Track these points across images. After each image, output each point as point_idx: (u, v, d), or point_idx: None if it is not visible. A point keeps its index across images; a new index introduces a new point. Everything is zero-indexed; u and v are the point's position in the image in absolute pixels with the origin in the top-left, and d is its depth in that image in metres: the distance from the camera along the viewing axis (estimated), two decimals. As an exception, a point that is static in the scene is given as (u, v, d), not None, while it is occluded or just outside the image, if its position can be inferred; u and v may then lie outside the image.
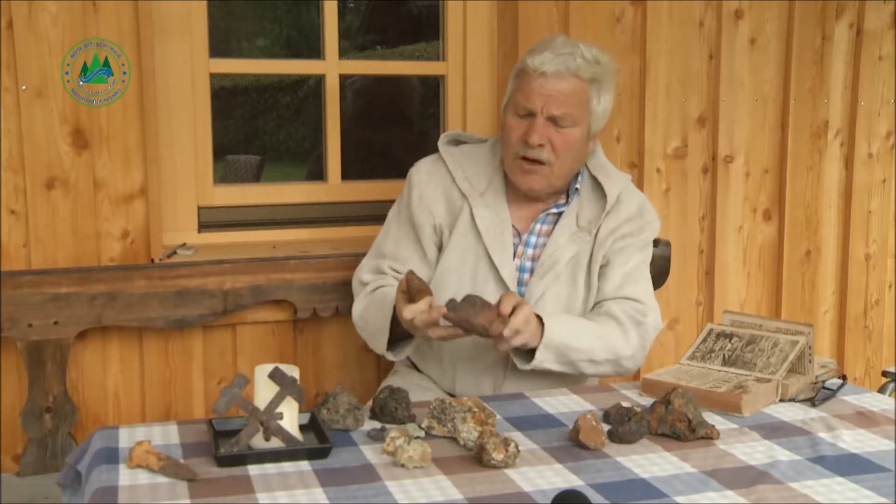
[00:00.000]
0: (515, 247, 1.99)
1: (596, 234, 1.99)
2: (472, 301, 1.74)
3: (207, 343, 2.34)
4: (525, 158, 1.93)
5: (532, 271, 1.99)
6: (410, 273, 1.78)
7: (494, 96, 2.59)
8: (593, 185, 2.04)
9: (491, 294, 1.95)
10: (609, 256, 1.99)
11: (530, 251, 2.00)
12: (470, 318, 1.72)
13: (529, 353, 1.84)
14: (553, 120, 1.91)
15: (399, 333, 1.88)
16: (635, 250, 2.01)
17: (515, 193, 2.02)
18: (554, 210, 2.02)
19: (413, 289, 1.77)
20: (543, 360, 1.82)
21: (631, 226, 2.01)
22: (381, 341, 1.90)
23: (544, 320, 1.81)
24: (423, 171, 2.06)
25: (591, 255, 1.99)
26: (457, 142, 2.13)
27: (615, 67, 2.01)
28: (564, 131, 1.92)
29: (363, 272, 2.08)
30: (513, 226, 2.00)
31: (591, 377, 2.09)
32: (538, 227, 2.01)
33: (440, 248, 2.03)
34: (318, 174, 2.64)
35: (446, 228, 2.01)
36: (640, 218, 2.03)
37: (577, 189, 2.02)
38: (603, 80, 1.96)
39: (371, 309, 1.98)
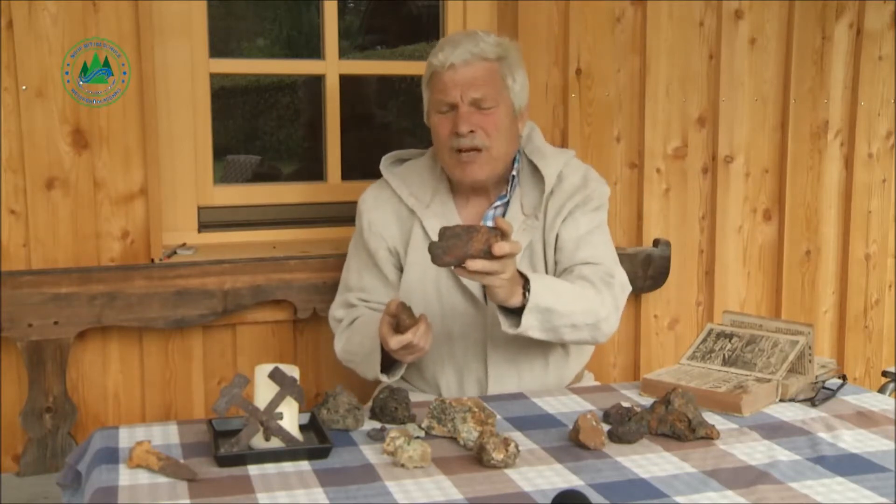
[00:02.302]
0: None
1: (545, 218, 1.98)
2: (455, 234, 1.61)
3: (207, 343, 2.34)
4: (460, 150, 1.92)
5: None
6: (401, 305, 1.74)
7: (494, 96, 2.59)
8: (532, 169, 2.02)
9: (459, 303, 1.95)
10: (559, 230, 1.97)
11: None
12: (466, 253, 1.60)
13: (515, 316, 1.78)
14: (476, 104, 1.91)
15: (390, 356, 1.85)
16: (582, 215, 1.98)
17: (462, 196, 2.02)
18: (499, 202, 2.01)
19: (402, 326, 1.73)
20: (529, 326, 1.75)
21: (576, 198, 1.98)
22: (374, 363, 1.86)
23: (530, 282, 1.74)
24: (370, 198, 2.07)
25: (544, 240, 1.98)
26: (401, 161, 2.13)
27: (517, 45, 2.03)
28: (490, 112, 1.92)
29: (335, 309, 2.08)
30: None
31: (577, 366, 2.08)
32: (488, 224, 1.99)
33: (401, 269, 2.02)
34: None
35: (401, 248, 2.01)
36: (585, 188, 2.00)
37: (514, 176, 2.01)
38: (509, 57, 1.97)
39: (354, 339, 1.96)
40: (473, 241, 1.60)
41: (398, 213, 2.02)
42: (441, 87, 1.93)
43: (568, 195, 1.98)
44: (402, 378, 2.01)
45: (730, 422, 1.65)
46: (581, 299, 1.84)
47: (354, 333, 1.97)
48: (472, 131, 1.90)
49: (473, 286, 1.94)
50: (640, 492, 1.34)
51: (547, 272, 1.98)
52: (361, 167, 2.70)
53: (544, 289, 1.76)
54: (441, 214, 1.98)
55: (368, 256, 2.04)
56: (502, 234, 1.62)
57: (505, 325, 1.77)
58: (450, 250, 1.60)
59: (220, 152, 2.52)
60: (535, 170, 2.01)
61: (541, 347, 1.96)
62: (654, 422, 1.57)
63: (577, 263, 1.94)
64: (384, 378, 1.89)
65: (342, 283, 2.11)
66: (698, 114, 2.69)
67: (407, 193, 2.02)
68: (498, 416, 1.65)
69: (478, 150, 1.92)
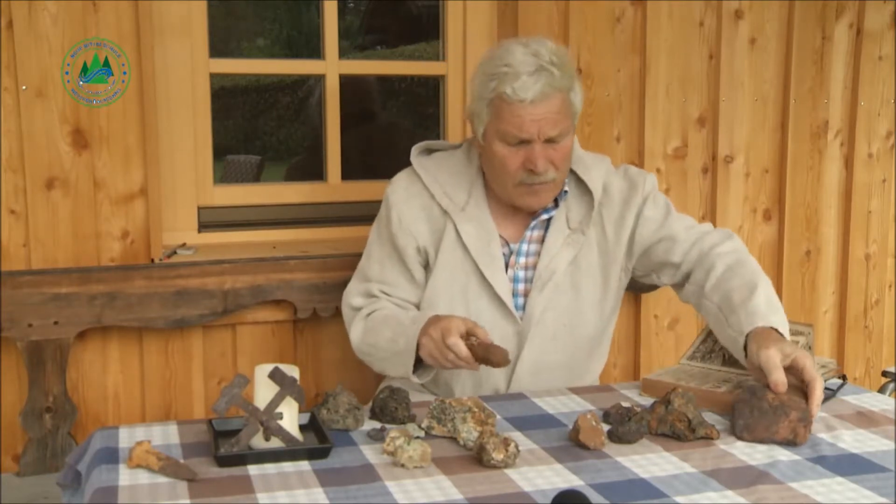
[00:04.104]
0: (506, 257, 1.94)
1: (603, 234, 1.96)
2: (761, 410, 1.57)
3: (207, 343, 2.34)
4: (531, 184, 1.87)
5: (526, 281, 1.94)
6: (503, 354, 1.66)
7: (494, 96, 2.59)
8: (576, 181, 1.98)
9: (485, 309, 1.91)
10: (648, 238, 1.95)
11: (523, 260, 1.95)
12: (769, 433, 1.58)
13: None
14: (550, 140, 1.85)
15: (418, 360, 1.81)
16: (652, 212, 1.97)
17: (498, 203, 1.96)
18: (544, 216, 1.96)
19: (479, 354, 1.68)
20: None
21: (633, 201, 1.96)
22: (406, 361, 1.81)
23: (779, 329, 1.70)
24: (400, 190, 1.98)
25: (607, 255, 1.96)
26: (429, 151, 2.06)
27: (570, 54, 1.94)
28: (560, 145, 1.86)
29: (352, 297, 2.01)
30: (500, 236, 1.95)
31: (594, 373, 2.09)
32: (529, 234, 1.96)
33: (426, 268, 1.98)
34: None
35: (431, 248, 1.96)
36: (634, 191, 1.97)
37: (566, 192, 1.96)
38: (573, 78, 1.88)
39: (383, 333, 1.89)
40: (780, 426, 1.55)
41: (429, 210, 1.96)
42: (515, 122, 1.82)
43: (622, 203, 1.97)
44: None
45: (730, 422, 1.64)
46: (763, 278, 1.83)
47: (382, 327, 1.91)
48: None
49: (503, 292, 1.91)
50: (640, 492, 1.34)
51: (607, 290, 1.97)
52: (361, 167, 2.71)
53: (782, 320, 1.74)
54: (476, 219, 1.93)
55: (394, 250, 1.98)
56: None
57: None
58: (752, 428, 1.57)
59: (220, 152, 2.51)
60: (578, 181, 1.97)
61: (567, 359, 1.96)
62: (654, 422, 1.57)
63: (692, 248, 1.93)
64: (415, 378, 1.84)
65: (360, 271, 2.04)
66: (698, 114, 2.69)
67: (441, 193, 1.96)
68: (498, 416, 1.65)
69: (546, 182, 1.88)
